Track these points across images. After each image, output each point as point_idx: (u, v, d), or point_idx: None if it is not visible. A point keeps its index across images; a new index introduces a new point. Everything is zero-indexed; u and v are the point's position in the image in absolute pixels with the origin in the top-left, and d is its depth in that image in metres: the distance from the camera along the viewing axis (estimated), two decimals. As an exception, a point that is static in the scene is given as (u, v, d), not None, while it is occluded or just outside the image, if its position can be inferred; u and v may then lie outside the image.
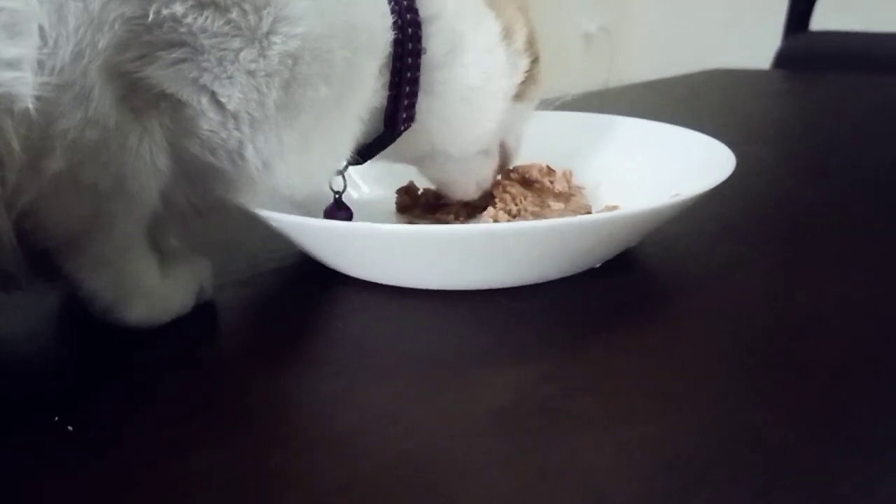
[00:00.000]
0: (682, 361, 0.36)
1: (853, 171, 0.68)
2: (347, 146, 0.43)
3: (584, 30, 3.66)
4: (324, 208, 0.52)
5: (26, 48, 0.30)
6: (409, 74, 0.44)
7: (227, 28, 0.34)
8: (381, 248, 0.42)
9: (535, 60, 0.50)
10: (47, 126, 0.32)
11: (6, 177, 0.31)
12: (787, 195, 0.62)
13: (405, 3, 0.43)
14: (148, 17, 0.32)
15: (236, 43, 0.34)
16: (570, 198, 0.53)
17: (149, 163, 0.35)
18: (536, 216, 0.49)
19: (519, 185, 0.53)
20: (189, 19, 0.33)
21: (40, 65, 0.31)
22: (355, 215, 0.53)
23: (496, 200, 0.51)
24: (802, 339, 0.38)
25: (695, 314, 0.41)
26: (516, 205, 0.50)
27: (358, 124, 0.42)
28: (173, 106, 0.35)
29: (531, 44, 0.49)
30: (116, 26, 0.32)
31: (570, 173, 0.55)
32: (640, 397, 0.33)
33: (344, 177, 0.51)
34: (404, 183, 0.57)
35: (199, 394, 0.35)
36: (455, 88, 0.46)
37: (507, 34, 0.47)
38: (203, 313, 0.42)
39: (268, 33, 0.35)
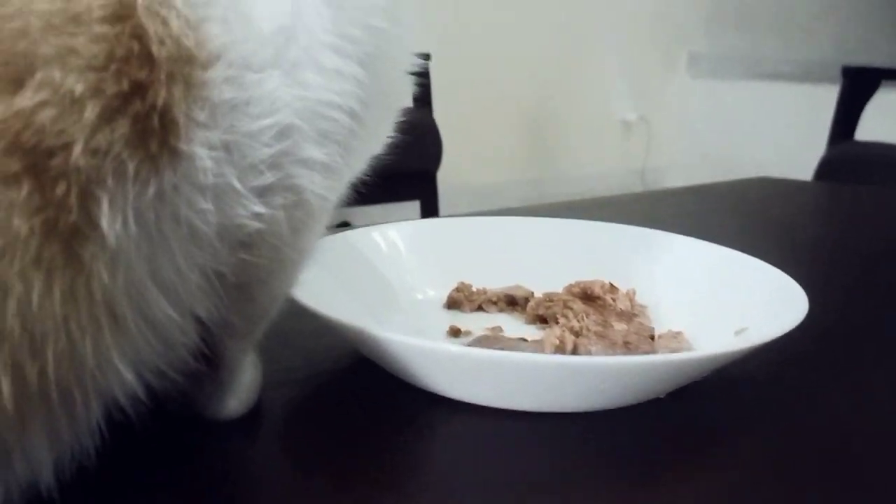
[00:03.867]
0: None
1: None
2: None
3: (623, 118, 3.71)
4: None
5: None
6: None
7: None
8: (446, 368, 0.41)
9: None
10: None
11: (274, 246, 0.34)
12: (846, 319, 0.61)
13: None
14: None
15: None
16: (632, 318, 0.52)
17: None
18: (599, 336, 0.49)
19: (580, 301, 0.53)
20: None
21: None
22: (412, 316, 0.53)
23: (558, 317, 0.50)
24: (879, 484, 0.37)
25: (761, 451, 0.40)
26: (578, 321, 0.50)
27: None
28: None
29: None
30: None
31: (634, 292, 0.54)
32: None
33: None
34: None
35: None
36: None
37: None
38: (257, 414, 0.41)
39: None
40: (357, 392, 0.45)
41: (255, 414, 0.41)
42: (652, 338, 0.50)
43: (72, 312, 0.26)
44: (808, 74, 3.34)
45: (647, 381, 0.41)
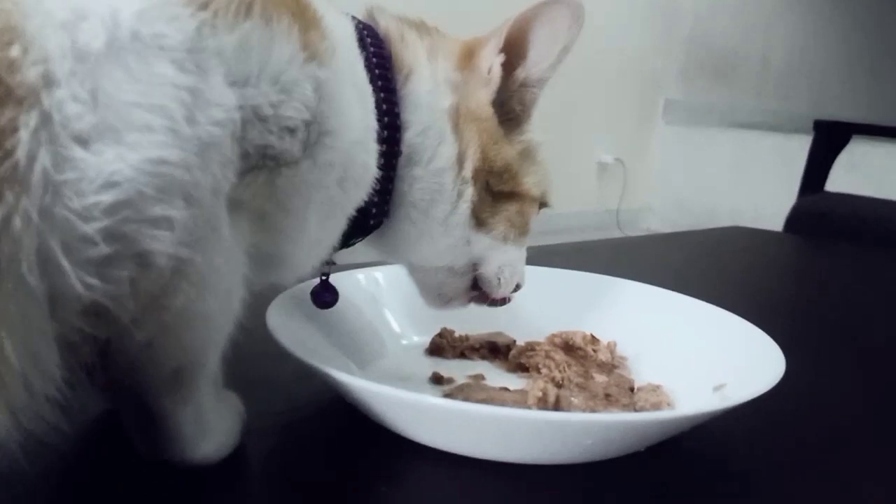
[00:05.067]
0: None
1: (888, 357, 0.69)
2: (338, 236, 0.46)
3: (600, 159, 3.77)
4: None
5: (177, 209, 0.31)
6: (381, 172, 0.46)
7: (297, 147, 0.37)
8: (428, 420, 0.42)
9: (494, 193, 0.49)
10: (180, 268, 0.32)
11: (119, 318, 0.31)
12: (820, 377, 0.62)
13: (385, 106, 0.46)
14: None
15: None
16: (612, 370, 0.53)
17: (241, 275, 0.36)
18: (580, 387, 0.49)
19: (562, 352, 0.53)
20: (277, 146, 0.36)
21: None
22: (395, 362, 0.53)
23: (540, 367, 0.51)
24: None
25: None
26: (560, 372, 0.50)
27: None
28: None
29: (481, 174, 0.49)
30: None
31: (615, 344, 0.55)
32: None
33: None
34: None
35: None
36: (406, 200, 0.48)
37: (459, 160, 0.48)
38: (236, 460, 0.41)
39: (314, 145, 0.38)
40: (338, 439, 0.45)
41: (234, 459, 0.41)
42: (632, 390, 0.51)
43: None
44: (781, 125, 3.41)
45: (631, 437, 0.42)
